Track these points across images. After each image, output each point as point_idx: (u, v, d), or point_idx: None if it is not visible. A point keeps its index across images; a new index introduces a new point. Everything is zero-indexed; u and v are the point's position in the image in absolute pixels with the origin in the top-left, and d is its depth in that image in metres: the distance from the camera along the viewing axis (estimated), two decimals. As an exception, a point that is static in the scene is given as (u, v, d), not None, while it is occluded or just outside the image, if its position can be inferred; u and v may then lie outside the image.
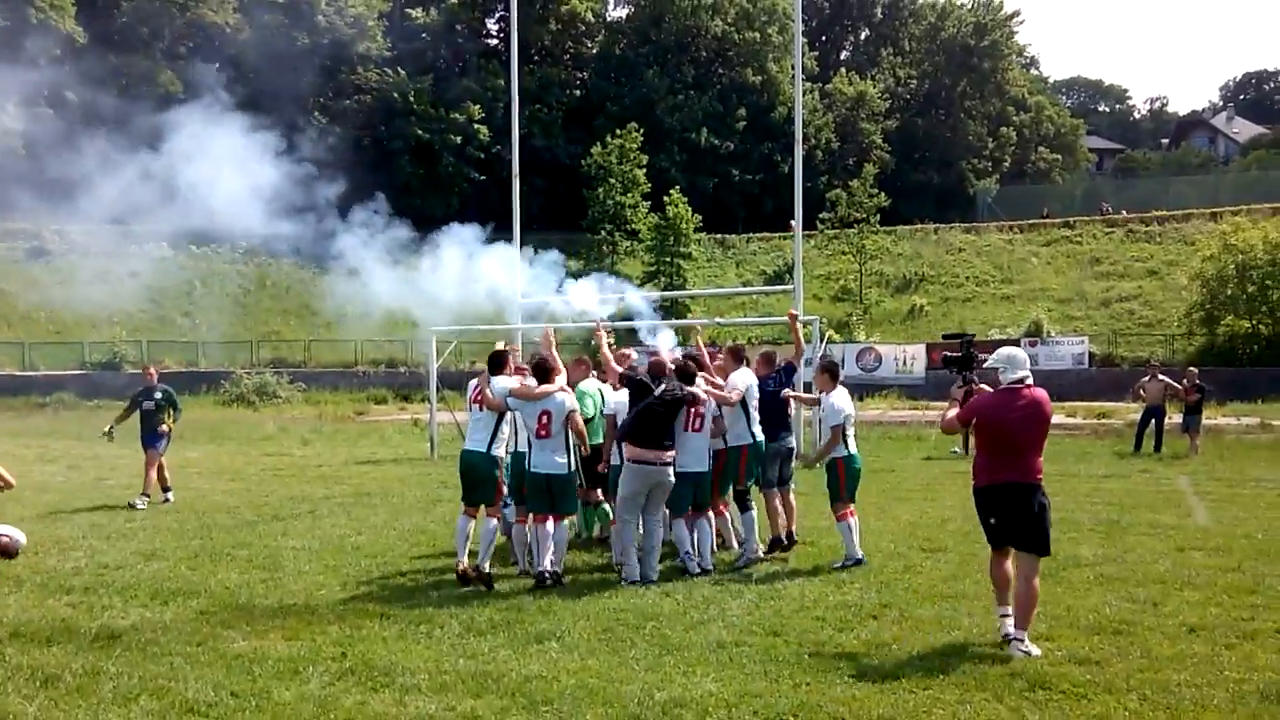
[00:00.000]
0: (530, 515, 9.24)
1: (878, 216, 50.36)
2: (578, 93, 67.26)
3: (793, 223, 20.42)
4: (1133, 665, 6.58)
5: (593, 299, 16.14)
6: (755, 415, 10.02)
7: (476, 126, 59.96)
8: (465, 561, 9.03)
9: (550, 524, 9.02)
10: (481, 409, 9.39)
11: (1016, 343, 39.36)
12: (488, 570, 9.05)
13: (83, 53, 55.90)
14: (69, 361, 42.47)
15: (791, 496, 10.53)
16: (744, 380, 10.04)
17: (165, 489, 14.80)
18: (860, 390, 39.40)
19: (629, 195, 53.51)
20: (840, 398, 9.99)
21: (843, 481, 9.85)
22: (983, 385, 7.76)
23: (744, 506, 10.09)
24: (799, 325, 11.47)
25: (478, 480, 9.32)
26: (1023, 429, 7.00)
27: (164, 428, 14.83)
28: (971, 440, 20.55)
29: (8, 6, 48.00)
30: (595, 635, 7.35)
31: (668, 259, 49.64)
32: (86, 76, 53.97)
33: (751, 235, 58.97)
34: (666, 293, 42.23)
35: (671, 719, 5.67)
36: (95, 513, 13.52)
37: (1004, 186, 67.84)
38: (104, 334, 44.11)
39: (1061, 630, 7.38)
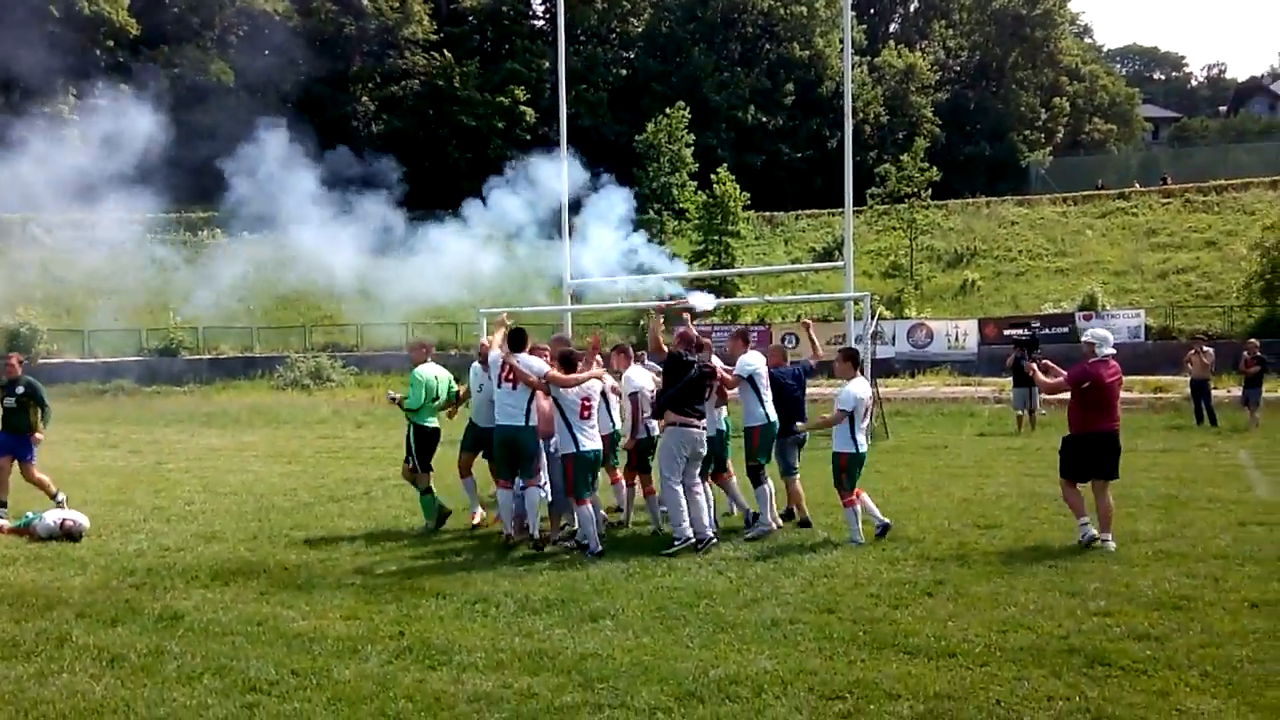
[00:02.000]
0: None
1: (928, 191, 49.71)
2: (624, 72, 67.04)
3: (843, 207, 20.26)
4: (1193, 641, 6.48)
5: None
6: (768, 396, 10.48)
7: (522, 109, 60.04)
8: (513, 530, 9.78)
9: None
10: (515, 386, 9.63)
11: (1071, 318, 38.90)
12: (538, 536, 9.68)
13: (137, 44, 56.71)
14: (127, 349, 43.18)
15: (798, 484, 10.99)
16: (755, 361, 10.53)
17: (1, 504, 11.96)
18: (912, 367, 39.06)
19: (676, 174, 53.33)
20: (859, 386, 10.09)
21: (844, 472, 9.94)
22: (1046, 362, 10.42)
23: (757, 481, 10.42)
24: (813, 332, 11.68)
25: (520, 453, 9.84)
26: (1113, 390, 9.39)
27: (37, 435, 12.41)
28: (1028, 419, 20.40)
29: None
30: (649, 613, 7.38)
31: (716, 237, 49.40)
32: (141, 68, 54.82)
33: (800, 212, 58.52)
34: (715, 271, 42.08)
35: (727, 696, 5.68)
36: (156, 496, 13.77)
37: (1057, 158, 66.70)
38: (161, 320, 44.82)
39: (1121, 606, 7.29)
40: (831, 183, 53.30)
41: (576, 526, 9.73)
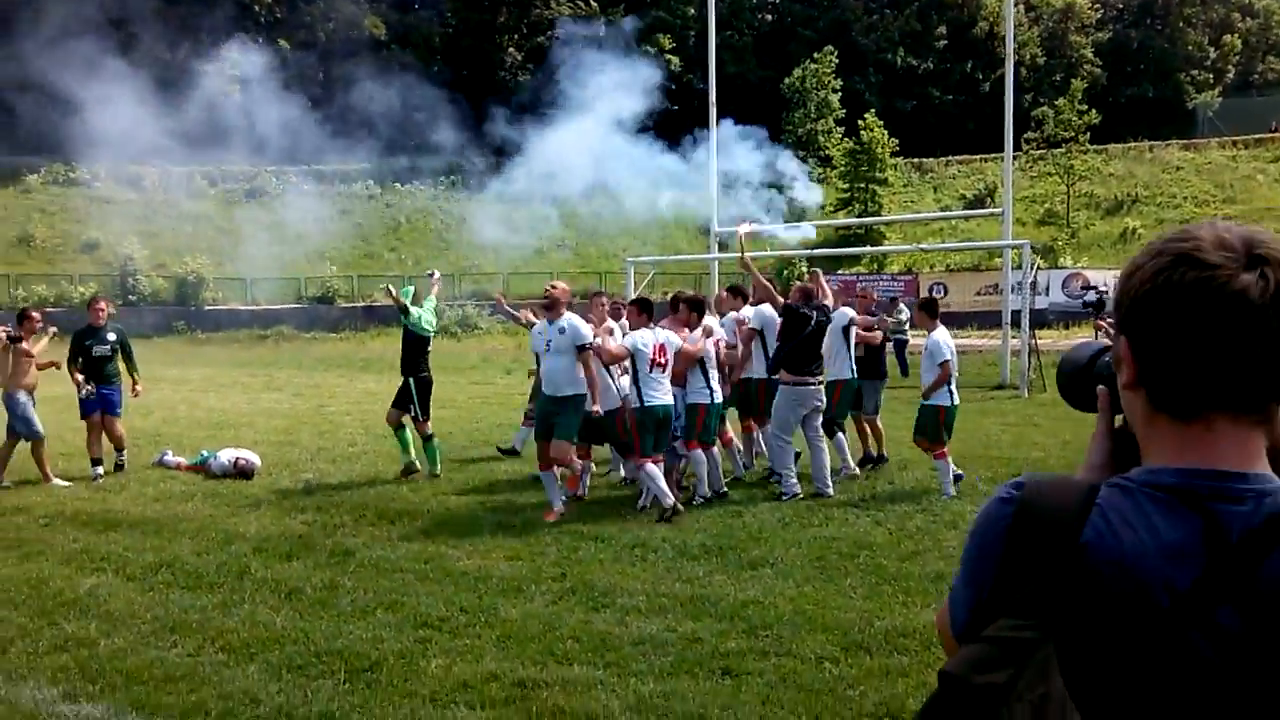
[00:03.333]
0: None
1: (1087, 135, 47.57)
2: (769, 17, 65.91)
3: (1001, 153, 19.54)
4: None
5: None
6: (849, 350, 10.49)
7: (668, 57, 59.66)
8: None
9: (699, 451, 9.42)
10: (665, 369, 9.24)
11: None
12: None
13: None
14: (287, 296, 44.80)
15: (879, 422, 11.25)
16: (849, 313, 10.61)
17: (96, 462, 11.39)
18: (1067, 318, 37.66)
19: (823, 120, 52.37)
20: (945, 335, 9.75)
21: (941, 426, 9.61)
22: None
23: (831, 432, 10.38)
24: (822, 280, 10.87)
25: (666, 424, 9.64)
26: None
27: (137, 388, 12.13)
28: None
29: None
30: (808, 563, 7.30)
31: (862, 185, 48.42)
32: (293, 26, 56.35)
33: (950, 158, 56.81)
34: (861, 219, 41.26)
35: (895, 648, 5.57)
36: (321, 437, 14.27)
37: (1227, 99, 62.98)
38: (318, 270, 46.34)
39: None
40: (984, 127, 51.51)
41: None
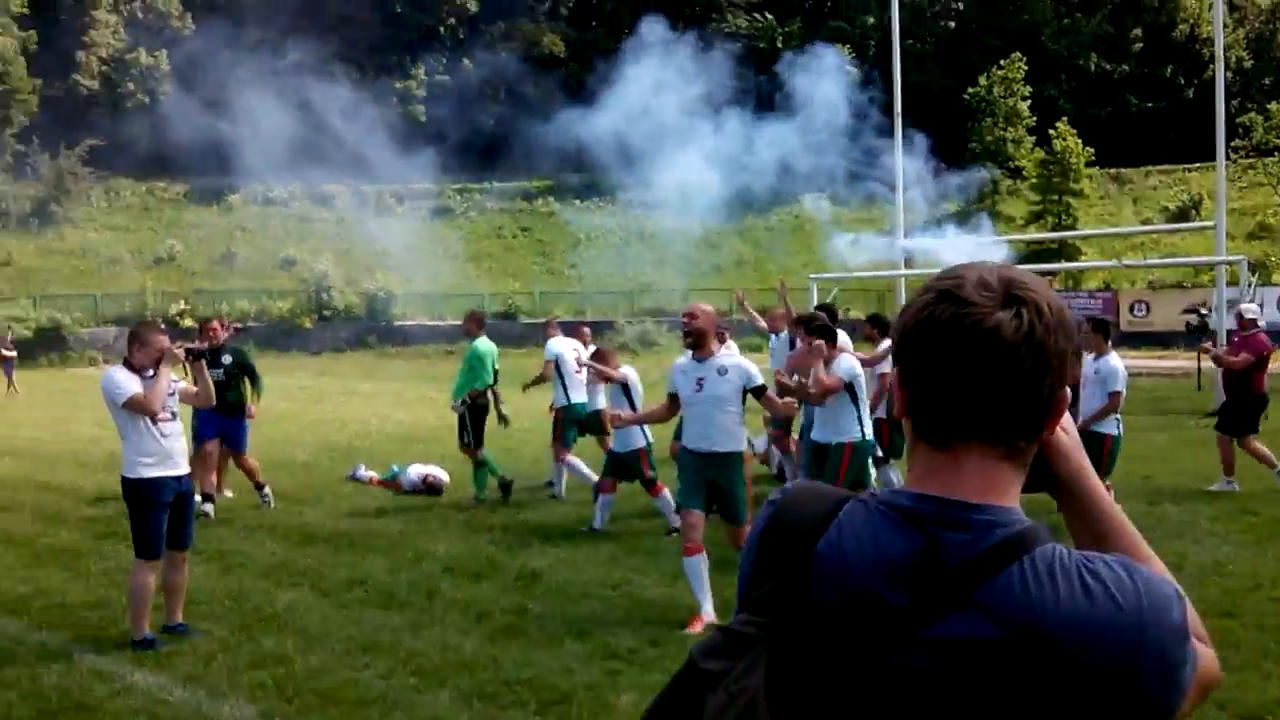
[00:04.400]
0: None
1: (1301, 142, 44.50)
2: (952, 24, 64.21)
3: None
4: None
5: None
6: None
7: (848, 69, 58.84)
8: None
9: None
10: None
11: None
12: None
13: (475, 20, 59.94)
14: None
15: None
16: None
17: (207, 498, 10.06)
18: (1282, 338, 35.12)
19: (1011, 129, 50.58)
20: (1118, 360, 8.86)
21: (1105, 460, 8.56)
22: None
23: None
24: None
25: None
26: None
27: (250, 411, 10.75)
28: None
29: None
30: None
31: (1055, 197, 46.40)
32: (475, 45, 57.94)
33: (1150, 168, 53.97)
34: (1054, 234, 39.55)
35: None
36: (508, 454, 14.33)
37: None
38: (501, 286, 47.41)
39: None
40: (1186, 135, 48.79)
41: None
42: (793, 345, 9.47)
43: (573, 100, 37.68)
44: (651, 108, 33.22)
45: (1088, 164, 47.28)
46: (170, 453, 6.41)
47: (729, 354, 7.07)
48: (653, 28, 28.21)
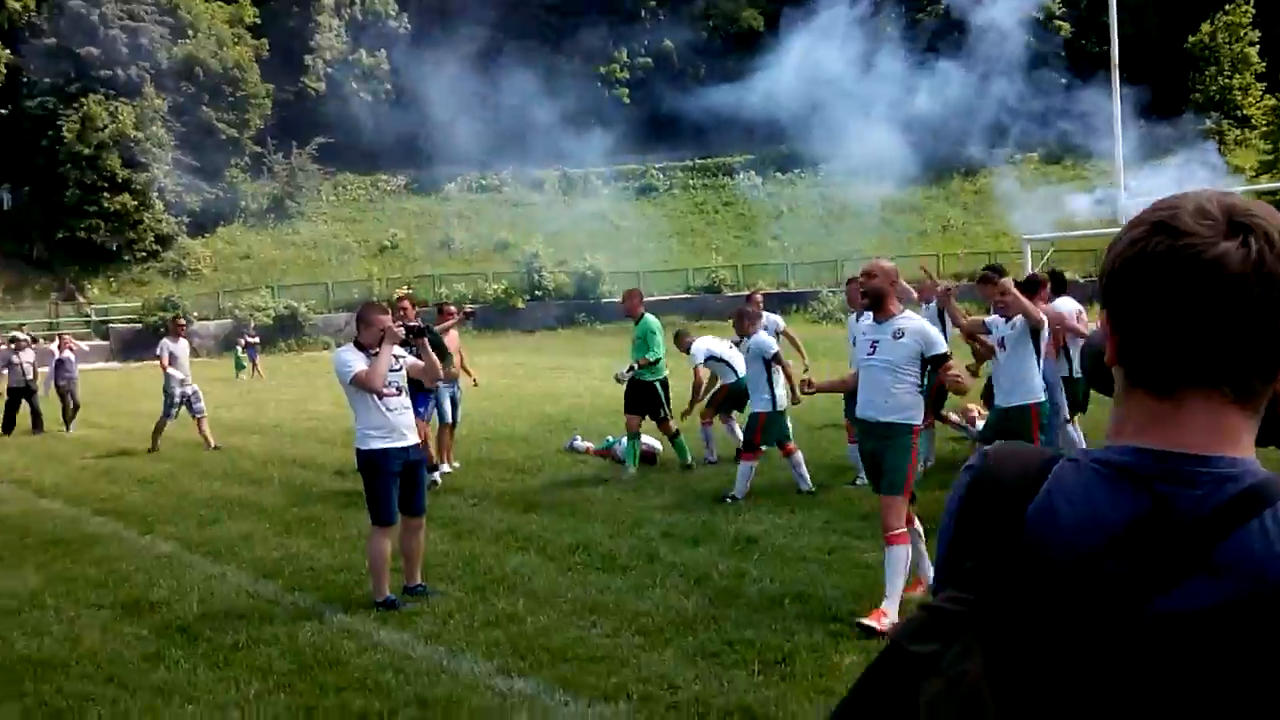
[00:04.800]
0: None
1: None
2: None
3: None
4: None
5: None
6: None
7: (1057, 23, 56.06)
8: None
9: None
10: None
11: None
12: None
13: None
14: (676, 287, 46.35)
15: None
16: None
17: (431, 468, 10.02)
18: None
19: (1238, 76, 47.22)
20: None
21: None
22: None
23: None
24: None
25: None
26: None
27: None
28: None
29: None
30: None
31: (1291, 144, 43.09)
32: (674, 24, 58.17)
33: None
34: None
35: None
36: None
37: None
38: (704, 260, 47.67)
39: None
40: None
41: None
42: (941, 316, 9.47)
43: (769, 74, 37.37)
44: (843, 77, 32.68)
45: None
46: (397, 425, 6.79)
47: (909, 317, 6.30)
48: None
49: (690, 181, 55.77)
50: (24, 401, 17.98)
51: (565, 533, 8.39)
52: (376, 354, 6.72)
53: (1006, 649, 1.09)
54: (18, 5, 48.11)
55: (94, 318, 43.54)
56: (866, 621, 5.70)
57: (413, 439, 6.96)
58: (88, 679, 5.69)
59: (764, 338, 9.80)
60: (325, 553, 8.30)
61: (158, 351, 15.16)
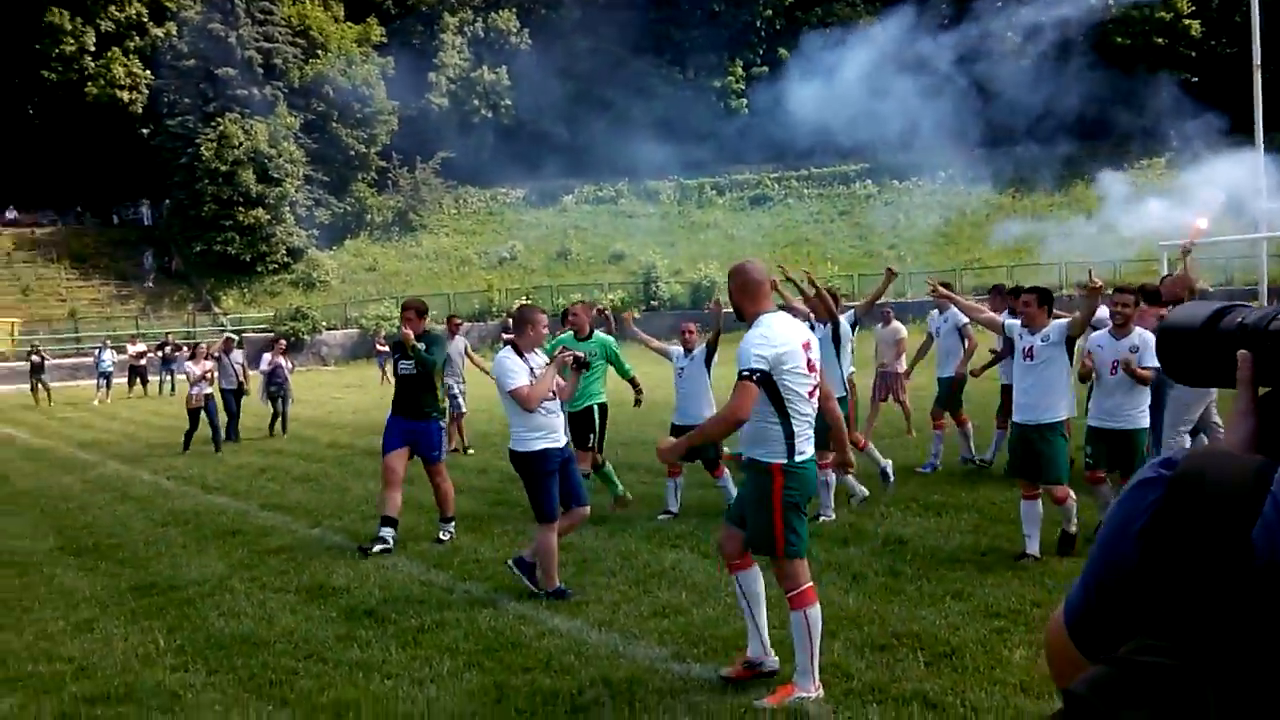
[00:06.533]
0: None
1: None
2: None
3: None
4: None
5: None
6: None
7: (1186, 22, 54.49)
8: None
9: None
10: None
11: None
12: None
13: (792, 10, 60.15)
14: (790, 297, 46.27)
15: None
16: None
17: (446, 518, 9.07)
18: None
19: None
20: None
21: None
22: None
23: None
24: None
25: None
26: None
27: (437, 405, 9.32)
28: None
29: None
30: None
31: None
32: (794, 34, 58.15)
33: None
34: None
35: None
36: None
37: None
38: (819, 271, 47.41)
39: None
40: None
41: None
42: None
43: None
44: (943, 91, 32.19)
45: None
46: (553, 427, 7.16)
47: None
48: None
49: (805, 191, 55.67)
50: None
51: (715, 531, 8.60)
52: (537, 370, 7.09)
53: (1244, 710, 0.88)
54: (160, 32, 50.50)
55: (228, 327, 45.38)
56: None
57: (565, 439, 7.32)
58: (288, 655, 6.14)
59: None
60: (486, 546, 8.69)
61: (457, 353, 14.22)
